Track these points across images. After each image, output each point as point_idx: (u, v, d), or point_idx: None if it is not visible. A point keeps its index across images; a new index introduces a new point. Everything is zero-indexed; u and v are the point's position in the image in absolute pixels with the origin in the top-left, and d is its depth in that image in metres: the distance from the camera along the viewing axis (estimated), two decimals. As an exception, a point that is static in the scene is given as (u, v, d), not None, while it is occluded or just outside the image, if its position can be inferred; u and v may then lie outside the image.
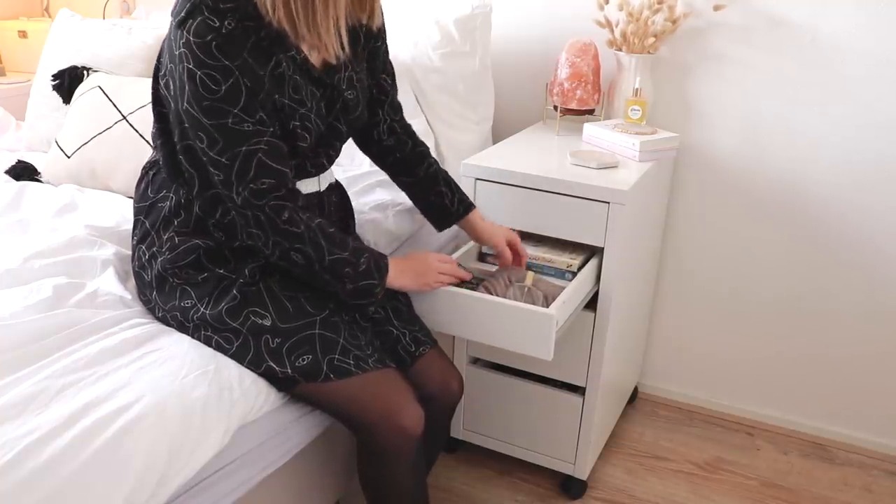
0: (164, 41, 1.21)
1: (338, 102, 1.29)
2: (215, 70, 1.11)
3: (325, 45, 1.17)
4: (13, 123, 2.23)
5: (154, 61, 1.27)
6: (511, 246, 1.53)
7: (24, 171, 1.86)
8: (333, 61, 1.23)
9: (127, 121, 1.79)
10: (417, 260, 1.36)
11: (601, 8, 1.85)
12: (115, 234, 1.49)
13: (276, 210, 1.18)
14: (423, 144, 1.52)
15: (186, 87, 1.13)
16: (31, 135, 2.11)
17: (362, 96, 1.35)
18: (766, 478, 1.91)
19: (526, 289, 1.47)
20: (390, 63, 1.46)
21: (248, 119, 1.14)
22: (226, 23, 1.11)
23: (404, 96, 1.90)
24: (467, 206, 1.51)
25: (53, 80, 1.98)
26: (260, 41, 1.15)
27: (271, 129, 1.18)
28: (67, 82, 1.97)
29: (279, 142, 1.19)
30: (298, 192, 1.24)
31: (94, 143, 1.80)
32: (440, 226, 1.53)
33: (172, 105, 1.21)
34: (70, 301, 1.25)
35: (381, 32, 1.39)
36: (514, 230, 1.57)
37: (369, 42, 1.37)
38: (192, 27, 1.11)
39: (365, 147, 1.51)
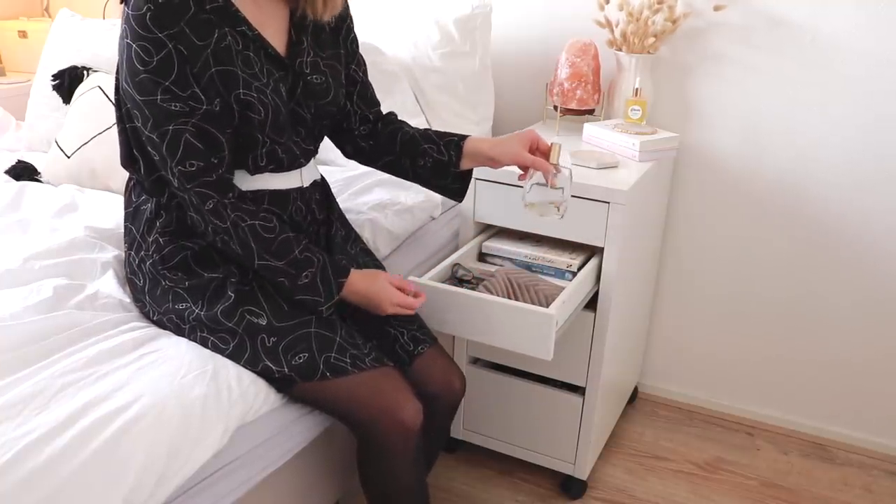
0: None
1: (299, 86, 1.28)
2: (148, 42, 1.12)
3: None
4: (13, 123, 2.23)
5: None
6: (534, 145, 1.36)
7: (24, 171, 1.87)
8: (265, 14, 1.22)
9: (127, 121, 1.79)
10: (374, 292, 1.29)
11: (601, 8, 1.85)
12: (114, 235, 1.49)
13: (201, 197, 1.18)
14: (396, 122, 1.45)
15: (124, 63, 1.15)
16: (31, 135, 2.11)
17: (334, 83, 1.33)
18: (766, 478, 1.91)
19: (513, 281, 1.45)
20: (361, 56, 1.44)
21: (180, 94, 1.14)
22: None
23: (404, 96, 1.91)
24: (457, 143, 1.38)
25: (53, 80, 1.98)
26: (203, 12, 1.15)
27: (205, 108, 1.17)
28: (67, 82, 1.97)
29: (209, 127, 1.17)
30: (231, 185, 1.22)
31: (94, 143, 1.80)
32: (454, 188, 1.42)
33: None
34: (70, 302, 1.25)
35: (347, 23, 1.38)
36: (514, 230, 1.57)
37: (338, 32, 1.36)
38: (132, 1, 1.13)
39: (341, 143, 1.47)
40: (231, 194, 1.21)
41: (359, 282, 1.28)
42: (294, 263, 1.23)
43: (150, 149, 1.20)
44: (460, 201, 1.49)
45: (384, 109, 1.90)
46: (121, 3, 1.16)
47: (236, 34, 1.19)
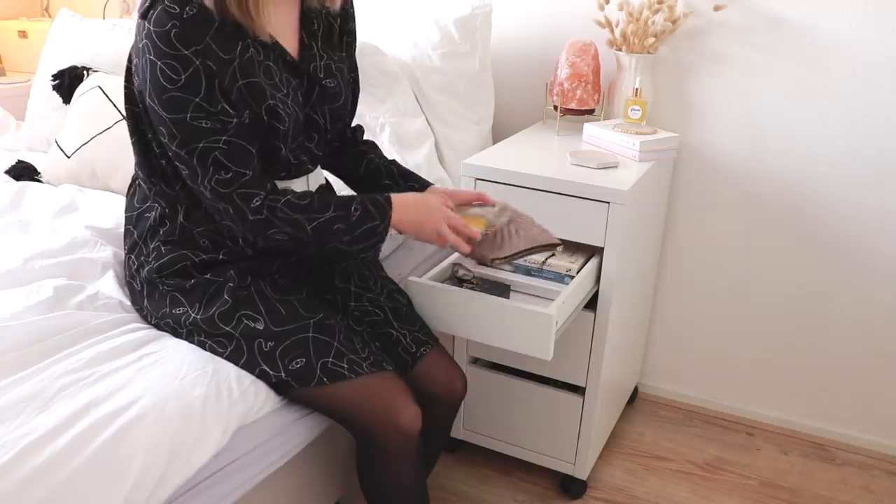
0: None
1: (315, 91, 1.28)
2: (175, 60, 1.10)
3: (258, 26, 1.16)
4: (13, 123, 2.23)
5: None
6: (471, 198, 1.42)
7: (24, 171, 1.86)
8: (267, 39, 1.20)
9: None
10: (421, 209, 1.27)
11: (601, 8, 1.85)
12: (114, 235, 1.49)
13: (245, 197, 1.17)
14: (363, 144, 1.48)
15: (148, 80, 1.13)
16: (31, 135, 2.11)
17: (345, 85, 1.33)
18: (766, 478, 1.91)
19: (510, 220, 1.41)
20: (357, 68, 1.44)
21: (210, 110, 1.13)
22: (186, 9, 1.11)
23: (404, 96, 1.91)
24: (416, 192, 1.40)
25: (53, 80, 1.98)
26: (226, 25, 1.14)
27: (235, 121, 1.15)
28: (67, 82, 1.97)
29: (241, 140, 1.16)
30: (265, 179, 1.21)
31: (94, 143, 1.80)
32: None
33: (141, 101, 1.21)
34: (70, 303, 1.25)
35: (353, 27, 1.38)
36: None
37: (343, 35, 1.36)
38: (153, 17, 1.11)
39: None
40: (266, 185, 1.20)
41: (408, 201, 1.26)
42: (338, 205, 1.21)
43: (177, 163, 1.18)
44: None
45: (385, 111, 1.90)
46: (140, 18, 1.14)
47: (257, 44, 1.18)
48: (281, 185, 1.29)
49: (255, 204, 1.17)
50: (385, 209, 1.23)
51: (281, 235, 1.20)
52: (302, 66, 1.26)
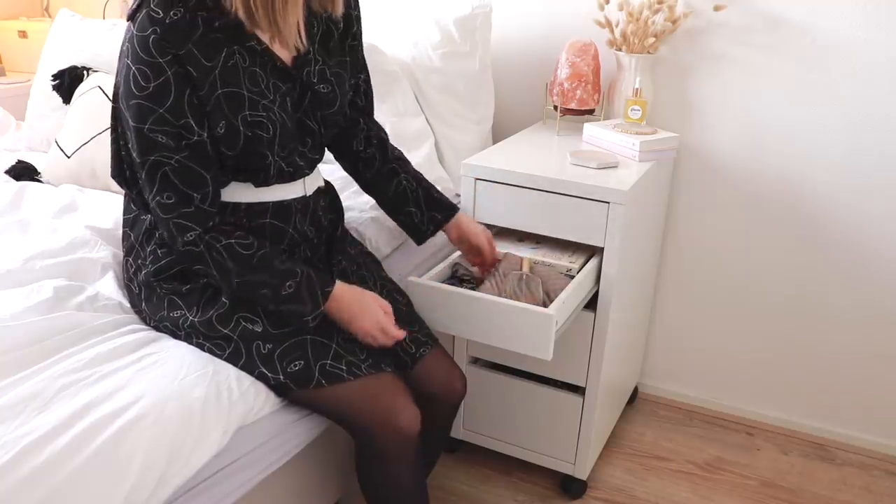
0: None
1: (307, 97, 1.27)
2: (148, 67, 1.10)
3: (284, 37, 1.16)
4: (13, 123, 2.23)
5: None
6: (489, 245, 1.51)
7: (24, 171, 1.87)
8: (294, 53, 1.21)
9: (127, 121, 1.79)
10: (360, 308, 1.25)
11: (601, 8, 1.85)
12: (114, 235, 1.49)
13: (180, 229, 1.17)
14: (394, 160, 1.48)
15: (122, 84, 1.14)
16: (31, 135, 2.11)
17: (340, 92, 1.32)
18: (766, 478, 1.91)
19: (523, 276, 1.46)
20: (366, 67, 1.44)
21: (172, 122, 1.12)
22: (171, 13, 1.10)
23: (404, 96, 1.91)
24: (438, 222, 1.48)
25: (53, 80, 1.98)
26: (212, 31, 1.13)
27: (195, 140, 1.14)
28: (67, 82, 1.97)
29: (194, 164, 1.15)
30: (212, 215, 1.20)
31: (94, 142, 1.80)
32: (417, 241, 1.52)
33: (115, 102, 1.21)
34: (70, 303, 1.25)
35: (357, 31, 1.37)
36: (514, 230, 1.56)
37: (345, 39, 1.35)
38: (138, 20, 1.11)
39: (340, 157, 1.49)
40: (211, 223, 1.20)
41: (345, 294, 1.25)
42: (276, 274, 1.20)
43: (136, 170, 1.19)
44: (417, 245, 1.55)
45: (385, 110, 1.90)
46: (127, 20, 1.14)
47: (244, 51, 1.17)
48: (275, 189, 1.28)
49: (188, 238, 1.17)
50: (319, 301, 1.22)
51: (207, 276, 1.21)
52: (294, 72, 1.24)
